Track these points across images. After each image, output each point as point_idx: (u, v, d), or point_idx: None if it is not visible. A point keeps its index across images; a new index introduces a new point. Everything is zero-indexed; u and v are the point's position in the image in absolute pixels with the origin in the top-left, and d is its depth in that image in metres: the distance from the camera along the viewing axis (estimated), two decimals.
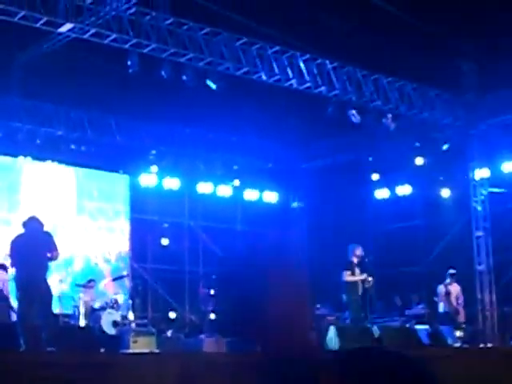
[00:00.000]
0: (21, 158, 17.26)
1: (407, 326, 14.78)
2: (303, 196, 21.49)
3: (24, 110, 16.40)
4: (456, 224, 18.21)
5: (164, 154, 18.66)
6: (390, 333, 11.80)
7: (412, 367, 1.43)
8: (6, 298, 12.67)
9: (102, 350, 10.06)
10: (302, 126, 18.35)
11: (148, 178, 18.77)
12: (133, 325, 14.47)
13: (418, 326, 13.96)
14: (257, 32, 14.31)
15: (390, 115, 16.30)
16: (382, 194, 19.72)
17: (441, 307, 15.63)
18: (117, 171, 18.82)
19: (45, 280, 10.21)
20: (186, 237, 19.90)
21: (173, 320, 17.71)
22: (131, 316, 14.79)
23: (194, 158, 19.22)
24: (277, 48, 14.88)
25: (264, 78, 14.93)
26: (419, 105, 16.57)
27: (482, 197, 17.73)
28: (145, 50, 13.52)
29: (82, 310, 14.06)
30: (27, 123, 16.51)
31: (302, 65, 15.14)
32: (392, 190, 19.50)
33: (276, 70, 14.90)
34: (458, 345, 13.63)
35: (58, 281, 14.76)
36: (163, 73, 13.76)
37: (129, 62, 13.33)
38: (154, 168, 18.61)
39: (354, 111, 15.85)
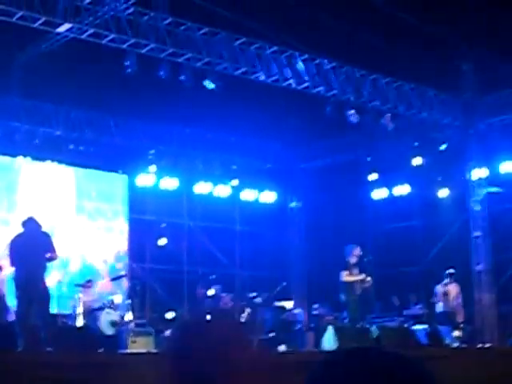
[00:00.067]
0: (20, 157, 17.24)
1: (405, 326, 14.78)
2: (301, 196, 21.48)
3: (23, 110, 16.39)
4: (454, 224, 18.22)
5: (163, 153, 18.66)
6: (388, 333, 11.80)
7: (410, 367, 1.43)
8: (1, 298, 12.64)
9: (101, 350, 10.06)
10: (301, 126, 18.36)
11: (146, 178, 18.75)
12: (131, 325, 14.44)
13: (416, 326, 13.96)
14: (255, 32, 14.30)
15: (388, 115, 16.30)
16: (380, 193, 19.69)
17: (439, 307, 15.64)
18: (116, 171, 18.81)
19: (43, 280, 10.22)
20: (185, 237, 19.88)
21: (171, 320, 17.68)
22: (129, 316, 14.76)
23: (193, 158, 19.22)
24: (275, 48, 14.88)
25: (262, 77, 14.93)
26: (418, 105, 16.58)
27: (481, 197, 17.73)
28: (143, 50, 13.53)
29: (81, 309, 14.04)
30: (26, 123, 16.51)
31: (300, 65, 15.15)
32: (390, 189, 19.49)
33: (274, 70, 14.91)
34: (456, 345, 13.65)
35: (56, 281, 14.76)
36: (161, 73, 13.76)
37: (127, 62, 13.33)
38: (153, 168, 18.60)
39: (352, 111, 15.85)
